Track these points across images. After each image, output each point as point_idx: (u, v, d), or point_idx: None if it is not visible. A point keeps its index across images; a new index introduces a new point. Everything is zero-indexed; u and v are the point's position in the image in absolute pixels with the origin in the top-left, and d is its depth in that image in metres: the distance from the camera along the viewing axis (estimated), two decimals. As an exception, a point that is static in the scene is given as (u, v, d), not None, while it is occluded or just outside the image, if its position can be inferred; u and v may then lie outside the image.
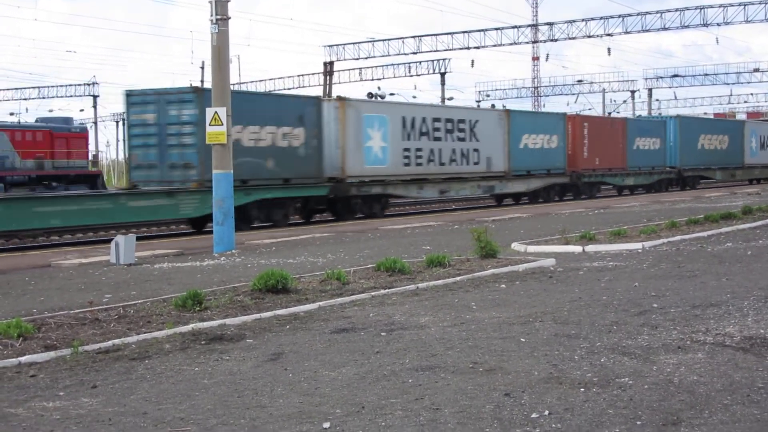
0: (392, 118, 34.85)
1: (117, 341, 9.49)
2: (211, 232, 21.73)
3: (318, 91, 71.37)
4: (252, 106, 29.27)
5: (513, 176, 41.59)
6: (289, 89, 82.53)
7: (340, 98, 33.68)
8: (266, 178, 29.68)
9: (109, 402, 7.27)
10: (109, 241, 19.17)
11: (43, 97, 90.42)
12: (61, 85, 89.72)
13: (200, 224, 29.46)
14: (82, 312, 11.23)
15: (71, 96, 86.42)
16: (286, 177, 30.42)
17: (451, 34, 68.38)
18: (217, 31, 20.10)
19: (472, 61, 79.53)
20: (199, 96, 27.51)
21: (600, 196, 47.95)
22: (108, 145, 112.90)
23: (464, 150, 38.41)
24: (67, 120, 54.70)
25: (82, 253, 20.63)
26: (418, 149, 35.99)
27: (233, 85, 31.51)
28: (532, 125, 43.22)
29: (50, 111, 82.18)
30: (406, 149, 35.41)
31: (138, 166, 28.83)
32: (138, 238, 19.56)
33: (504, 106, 62.91)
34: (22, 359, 8.73)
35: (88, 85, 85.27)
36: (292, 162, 30.38)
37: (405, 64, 75.72)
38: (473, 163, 38.90)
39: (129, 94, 29.69)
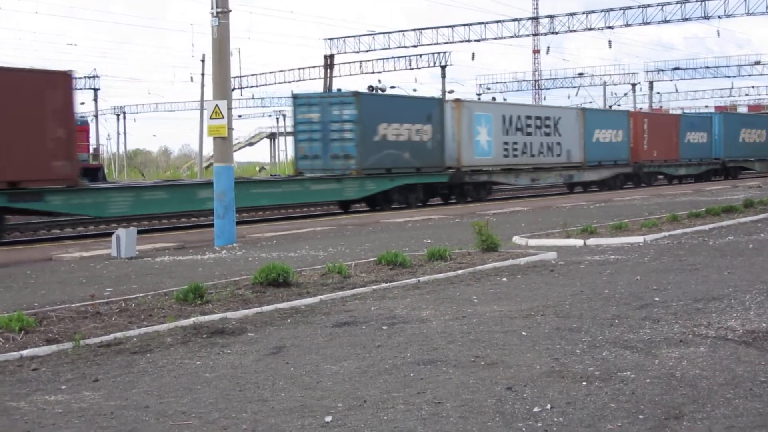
0: (495, 116, 40.60)
1: (118, 335, 9.49)
2: (356, 212, 32.11)
3: (318, 84, 71.42)
4: (394, 107, 36.22)
5: (587, 167, 47.46)
6: (289, 82, 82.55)
7: (457, 100, 40.79)
8: (404, 167, 35.81)
9: (111, 396, 7.27)
10: (110, 234, 19.15)
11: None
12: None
13: (347, 206, 35.75)
14: (83, 305, 11.22)
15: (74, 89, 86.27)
16: (418, 166, 36.51)
17: (452, 27, 68.37)
18: (217, 24, 20.08)
19: (473, 54, 79.61)
20: (357, 99, 34.19)
21: (656, 185, 53.58)
22: (109, 139, 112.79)
23: (549, 144, 44.25)
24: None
25: (84, 247, 20.63)
26: (515, 143, 41.80)
27: (234, 77, 32.04)
28: (603, 121, 49.37)
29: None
30: (506, 143, 41.20)
31: (304, 157, 35.14)
32: (139, 232, 19.57)
33: (504, 99, 63.28)
34: (24, 353, 8.72)
35: (89, 78, 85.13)
36: (422, 153, 36.56)
37: (405, 57, 75.68)
38: (556, 155, 44.74)
39: (295, 97, 36.52)
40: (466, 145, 38.54)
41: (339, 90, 38.66)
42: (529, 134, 42.51)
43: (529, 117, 42.80)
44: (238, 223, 23.44)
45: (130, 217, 29.12)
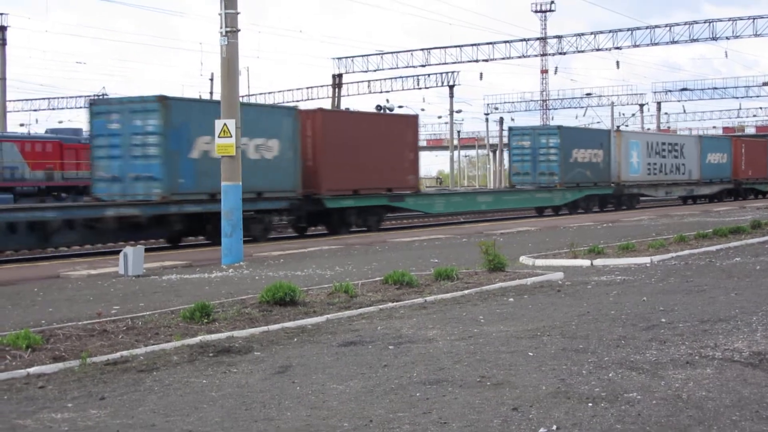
0: (642, 143, 52.53)
1: (125, 353, 9.51)
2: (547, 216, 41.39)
3: (326, 103, 71.48)
4: (582, 136, 49.20)
5: (702, 183, 58.45)
6: (297, 101, 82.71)
7: (618, 130, 55.09)
8: (586, 182, 47.78)
9: (117, 414, 7.28)
10: (119, 252, 19.20)
11: (53, 108, 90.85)
12: (71, 96, 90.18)
13: (541, 211, 47.39)
14: (90, 323, 11.25)
15: (81, 107, 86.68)
16: (595, 182, 48.49)
17: (460, 47, 68.63)
18: (226, 43, 20.16)
19: (481, 73, 79.77)
20: (560, 131, 47.06)
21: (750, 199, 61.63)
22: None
23: (677, 164, 55.88)
24: (77, 131, 54.74)
25: (91, 265, 20.67)
26: (655, 164, 53.48)
27: (243, 97, 32.17)
28: (713, 146, 59.88)
29: (60, 122, 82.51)
30: (649, 164, 52.84)
31: (517, 174, 47.36)
32: (146, 250, 19.60)
33: (513, 119, 63.83)
34: (31, 370, 8.74)
35: (98, 96, 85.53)
36: (597, 171, 48.49)
37: (413, 76, 75.94)
38: (681, 173, 56.35)
39: (511, 129, 50.04)
40: (624, 166, 50.34)
41: (545, 124, 53.49)
42: (663, 157, 54.27)
43: (663, 143, 55.15)
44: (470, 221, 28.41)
45: (444, 214, 42.42)
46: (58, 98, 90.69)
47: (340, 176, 32.53)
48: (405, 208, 37.47)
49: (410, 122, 37.27)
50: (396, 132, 35.32)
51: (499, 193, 49.08)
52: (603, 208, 49.82)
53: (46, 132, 55.24)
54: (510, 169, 49.47)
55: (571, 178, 46.50)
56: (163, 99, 26.44)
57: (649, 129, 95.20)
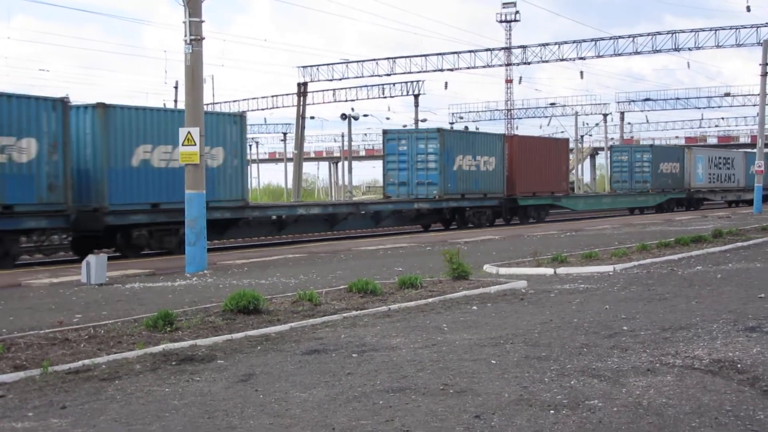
0: (704, 157, 66.27)
1: (87, 361, 9.45)
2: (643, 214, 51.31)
3: (292, 112, 71.36)
4: (666, 152, 63.63)
5: (747, 190, 68.06)
6: (262, 109, 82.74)
7: (688, 147, 71.37)
8: (669, 188, 61.36)
9: (79, 423, 7.24)
10: (79, 261, 19.07)
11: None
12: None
13: (634, 210, 60.51)
14: (52, 332, 11.18)
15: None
16: (674, 188, 61.99)
17: (425, 56, 68.70)
18: (191, 51, 20.11)
19: (446, 83, 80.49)
20: (652, 148, 61.84)
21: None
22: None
23: (729, 174, 69.37)
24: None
25: (53, 273, 20.53)
26: (713, 173, 66.94)
27: (207, 105, 31.95)
28: (753, 159, 65.14)
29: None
30: (710, 174, 66.26)
31: (617, 181, 60.65)
32: (109, 258, 19.49)
33: (477, 128, 64.33)
34: (-9, 379, 8.67)
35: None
36: (675, 180, 62.06)
37: (379, 85, 75.95)
38: (731, 182, 69.67)
39: (611, 148, 64.53)
40: (692, 175, 63.55)
41: (636, 143, 71.07)
42: (719, 168, 67.63)
43: (719, 157, 69.04)
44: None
45: (586, 212, 56.33)
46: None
47: (526, 183, 45.99)
48: (561, 205, 50.63)
49: (564, 144, 53.14)
50: (555, 151, 49.49)
51: (615, 196, 59.50)
52: (675, 209, 62.09)
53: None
54: (611, 177, 62.56)
55: (658, 186, 60.26)
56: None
57: (612, 139, 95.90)
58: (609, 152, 61.69)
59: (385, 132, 43.12)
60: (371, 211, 38.70)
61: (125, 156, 26.10)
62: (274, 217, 33.80)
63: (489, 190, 43.39)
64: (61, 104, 24.80)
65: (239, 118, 30.62)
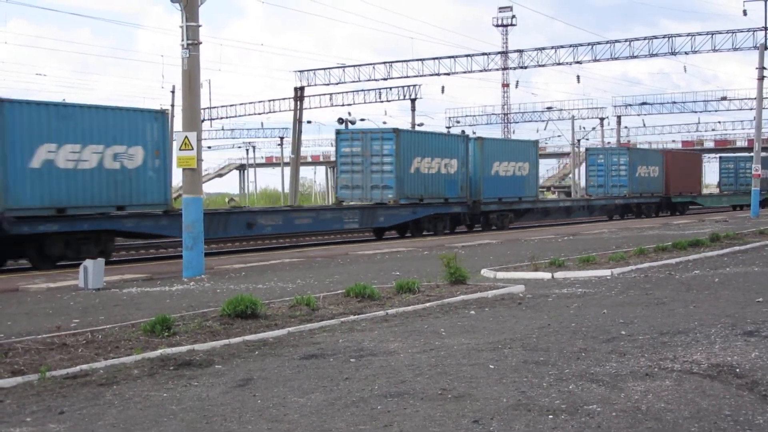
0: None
1: (85, 366, 9.44)
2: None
3: (289, 116, 71.41)
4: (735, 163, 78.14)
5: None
6: (259, 114, 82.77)
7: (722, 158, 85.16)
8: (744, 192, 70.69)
9: (77, 428, 7.23)
10: (77, 265, 19.05)
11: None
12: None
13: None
14: (49, 337, 11.16)
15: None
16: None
17: (422, 60, 68.70)
18: (188, 55, 20.10)
19: (443, 87, 79.75)
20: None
21: None
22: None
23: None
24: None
25: (50, 278, 20.49)
26: None
27: (204, 109, 31.93)
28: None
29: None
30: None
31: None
32: (107, 263, 19.47)
33: (474, 133, 64.43)
34: (-11, 384, 8.65)
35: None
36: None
37: (375, 89, 76.04)
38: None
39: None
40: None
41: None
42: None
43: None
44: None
45: (712, 207, 69.83)
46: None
47: (677, 185, 62.91)
48: (697, 203, 67.52)
49: (699, 157, 71.35)
50: (692, 161, 68.97)
51: (719, 196, 72.00)
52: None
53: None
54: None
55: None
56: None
57: (609, 143, 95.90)
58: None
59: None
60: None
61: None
62: None
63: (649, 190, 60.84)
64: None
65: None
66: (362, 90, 76.98)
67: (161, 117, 28.08)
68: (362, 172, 37.92)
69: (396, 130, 38.48)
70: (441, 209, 39.82)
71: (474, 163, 42.09)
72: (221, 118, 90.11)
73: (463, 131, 69.94)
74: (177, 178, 31.74)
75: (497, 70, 75.30)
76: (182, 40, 20.13)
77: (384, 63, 70.25)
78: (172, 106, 68.03)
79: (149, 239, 31.27)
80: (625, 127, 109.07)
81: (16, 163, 23.60)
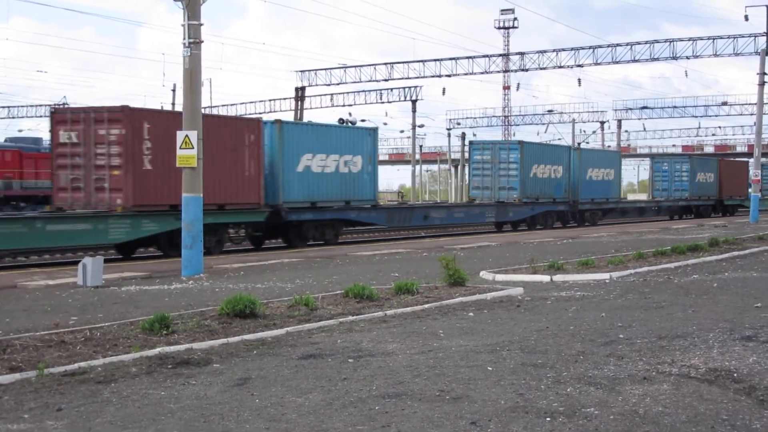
0: None
1: (83, 364, 9.44)
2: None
3: (290, 116, 71.45)
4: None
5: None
6: (260, 113, 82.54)
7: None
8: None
9: (74, 425, 7.23)
10: (76, 263, 19.06)
11: (13, 117, 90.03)
12: (31, 105, 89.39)
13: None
14: (48, 334, 11.16)
15: (41, 116, 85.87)
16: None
17: (423, 61, 68.75)
18: (189, 54, 20.10)
19: (444, 89, 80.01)
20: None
21: None
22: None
23: None
24: (37, 140, 54.27)
25: (49, 275, 20.50)
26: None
27: (205, 108, 32.12)
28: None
29: (20, 131, 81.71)
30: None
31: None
32: (106, 261, 19.47)
33: (474, 135, 64.86)
34: (-13, 381, 8.65)
35: (59, 105, 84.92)
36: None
37: (376, 90, 76.10)
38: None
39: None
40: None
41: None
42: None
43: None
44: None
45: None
46: (18, 107, 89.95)
47: (728, 189, 67.64)
48: (745, 205, 67.67)
49: (745, 164, 69.57)
50: (740, 168, 72.01)
51: (764, 200, 68.37)
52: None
53: (6, 141, 54.73)
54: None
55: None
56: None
57: (609, 146, 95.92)
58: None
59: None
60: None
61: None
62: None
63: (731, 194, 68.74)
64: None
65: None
66: (363, 91, 77.15)
67: (373, 133, 36.41)
68: (491, 176, 46.22)
69: (521, 143, 47.57)
70: (550, 207, 48.70)
71: (573, 169, 50.36)
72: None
73: (462, 134, 69.92)
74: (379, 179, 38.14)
75: (498, 72, 75.47)
76: (184, 39, 20.13)
77: (385, 64, 70.39)
78: (173, 104, 68.14)
79: (362, 226, 39.08)
80: (626, 131, 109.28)
81: (289, 168, 31.24)
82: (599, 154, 57.30)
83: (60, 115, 27.34)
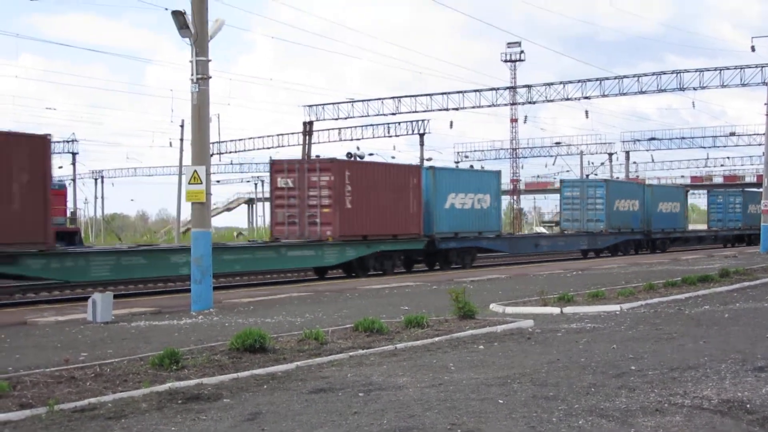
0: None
1: (93, 400, 9.42)
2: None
3: (298, 150, 71.64)
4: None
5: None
6: (268, 148, 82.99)
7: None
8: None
9: (85, 462, 7.20)
10: (86, 299, 19.07)
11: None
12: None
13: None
14: (58, 370, 11.15)
15: (55, 153, 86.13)
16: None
17: (430, 95, 69.01)
18: (197, 90, 20.20)
19: (451, 122, 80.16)
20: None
21: None
22: (86, 203, 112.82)
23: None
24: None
25: (59, 311, 20.50)
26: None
27: (213, 143, 32.58)
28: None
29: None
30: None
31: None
32: (115, 296, 19.48)
33: (482, 167, 65.54)
34: (-3, 418, 8.64)
35: (68, 142, 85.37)
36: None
37: (384, 124, 76.20)
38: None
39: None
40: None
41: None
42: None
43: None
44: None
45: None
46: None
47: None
48: None
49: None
50: None
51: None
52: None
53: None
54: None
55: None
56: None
57: (617, 178, 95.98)
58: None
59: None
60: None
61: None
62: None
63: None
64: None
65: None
66: (371, 125, 77.26)
67: (497, 174, 44.43)
68: (580, 209, 53.94)
69: (606, 181, 57.61)
70: (629, 237, 56.34)
71: (647, 204, 58.04)
72: (230, 152, 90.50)
73: (471, 166, 70.07)
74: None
75: (506, 105, 75.69)
76: (192, 75, 20.23)
77: (393, 98, 70.68)
78: (181, 140, 68.32)
79: (486, 252, 45.89)
80: (634, 162, 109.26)
81: (440, 205, 38.88)
82: (668, 190, 66.82)
83: (278, 165, 35.38)
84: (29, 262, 24.12)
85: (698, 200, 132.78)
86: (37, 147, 24.24)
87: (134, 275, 29.00)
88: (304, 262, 34.34)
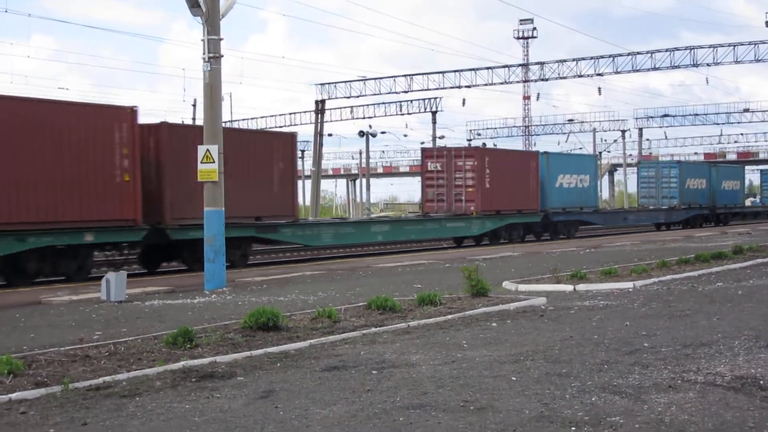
0: None
1: (108, 378, 9.47)
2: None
3: (310, 129, 71.65)
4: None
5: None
6: (280, 127, 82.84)
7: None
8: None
9: (100, 439, 7.24)
10: (99, 278, 19.13)
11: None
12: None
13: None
14: (72, 349, 11.21)
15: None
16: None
17: (443, 73, 68.82)
18: (209, 69, 20.18)
19: (464, 99, 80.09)
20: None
21: None
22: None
23: None
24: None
25: (73, 290, 20.57)
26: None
27: (225, 122, 32.92)
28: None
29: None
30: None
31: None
32: (129, 275, 19.53)
33: (495, 144, 65.88)
34: (13, 396, 8.69)
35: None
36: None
37: (396, 102, 76.11)
38: None
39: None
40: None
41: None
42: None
43: None
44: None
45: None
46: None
47: None
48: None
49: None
50: None
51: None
52: None
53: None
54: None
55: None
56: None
57: (631, 155, 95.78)
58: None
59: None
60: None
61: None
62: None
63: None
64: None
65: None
66: (383, 103, 77.12)
67: (594, 157, 57.39)
68: (656, 187, 60.88)
69: (679, 162, 65.91)
70: (698, 212, 62.84)
71: (713, 181, 64.75)
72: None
73: (483, 144, 69.90)
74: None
75: (518, 82, 75.41)
76: (204, 54, 20.22)
77: (405, 76, 70.47)
78: (194, 119, 68.32)
79: (589, 225, 53.74)
80: (647, 139, 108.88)
81: (551, 184, 45.92)
82: (731, 169, 72.85)
83: (428, 152, 44.51)
84: (284, 230, 30.99)
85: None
86: (288, 141, 31.44)
87: (348, 241, 36.86)
88: (457, 232, 42.12)
